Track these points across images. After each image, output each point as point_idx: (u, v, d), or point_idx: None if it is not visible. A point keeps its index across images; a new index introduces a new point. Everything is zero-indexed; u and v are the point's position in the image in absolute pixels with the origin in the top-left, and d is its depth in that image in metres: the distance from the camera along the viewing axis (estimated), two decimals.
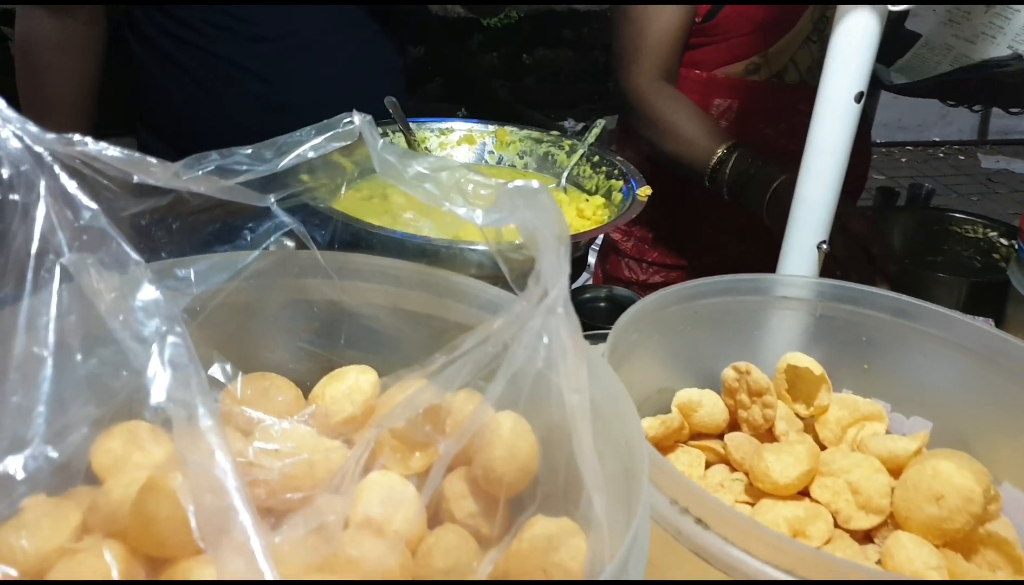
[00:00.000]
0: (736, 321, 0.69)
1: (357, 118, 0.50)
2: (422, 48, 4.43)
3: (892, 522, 0.57)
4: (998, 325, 1.01)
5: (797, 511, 0.57)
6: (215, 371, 0.52)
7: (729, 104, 1.21)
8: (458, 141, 1.06)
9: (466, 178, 0.48)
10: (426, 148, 1.05)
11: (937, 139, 4.87)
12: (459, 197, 0.48)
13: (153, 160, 0.42)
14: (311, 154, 0.49)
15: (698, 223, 1.31)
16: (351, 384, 0.52)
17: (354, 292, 0.57)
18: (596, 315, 1.20)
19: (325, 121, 0.51)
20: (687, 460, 0.65)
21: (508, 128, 1.06)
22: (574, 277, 0.94)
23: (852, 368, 0.68)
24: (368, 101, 0.85)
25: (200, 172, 0.45)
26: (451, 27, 4.35)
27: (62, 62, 1.07)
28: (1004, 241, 1.19)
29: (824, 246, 0.71)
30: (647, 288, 1.35)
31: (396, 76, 1.27)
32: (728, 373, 0.67)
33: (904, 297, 0.65)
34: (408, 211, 0.90)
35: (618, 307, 1.23)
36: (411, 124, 1.04)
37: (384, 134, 1.02)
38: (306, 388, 0.54)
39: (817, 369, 0.66)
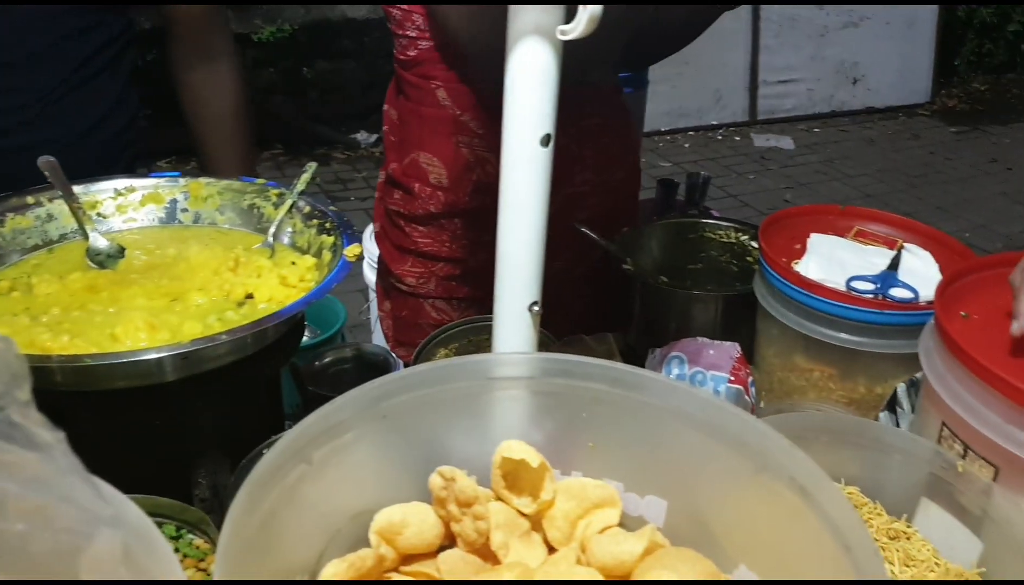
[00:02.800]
0: (450, 412, 0.58)
1: None
2: None
3: None
4: (751, 339, 0.98)
5: None
6: None
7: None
8: (141, 201, 0.88)
9: None
10: (99, 214, 0.86)
11: (715, 122, 5.15)
12: None
13: None
14: None
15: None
16: None
17: None
18: (342, 380, 1.07)
19: None
20: None
21: (203, 181, 0.90)
22: (293, 345, 0.80)
23: (579, 447, 0.59)
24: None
25: None
26: None
27: None
28: (754, 244, 1.18)
29: (536, 307, 0.62)
30: None
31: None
32: (434, 480, 0.56)
33: (619, 366, 0.56)
34: (55, 307, 0.72)
35: (368, 367, 1.11)
36: (77, 188, 0.85)
37: (37, 203, 0.83)
38: None
39: (535, 459, 0.56)
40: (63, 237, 0.84)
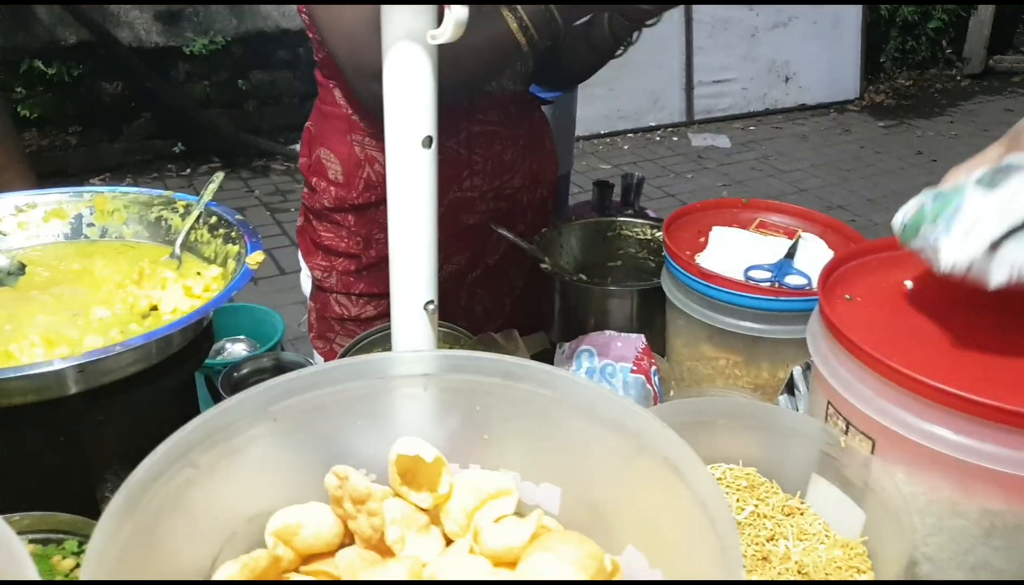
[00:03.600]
0: (347, 413, 0.59)
1: None
2: (119, 84, 4.00)
3: None
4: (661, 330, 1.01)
5: None
6: None
7: None
8: (45, 217, 0.87)
9: None
10: (0, 232, 0.85)
11: (653, 123, 5.24)
12: None
13: None
14: None
15: None
16: None
17: None
18: None
19: None
20: None
21: (108, 195, 0.89)
22: (200, 355, 0.80)
23: (475, 441, 0.61)
24: None
25: None
26: (149, 58, 3.96)
27: None
28: None
29: (431, 305, 0.63)
30: (363, 323, 1.23)
31: None
32: (329, 480, 0.57)
33: (508, 359, 0.58)
34: None
35: None
36: None
37: None
38: None
39: (431, 454, 0.57)
40: None
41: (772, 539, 0.70)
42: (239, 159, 4.36)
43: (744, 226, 1.00)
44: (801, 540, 0.69)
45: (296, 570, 0.57)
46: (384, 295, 1.26)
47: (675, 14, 4.99)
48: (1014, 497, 0.60)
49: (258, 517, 0.56)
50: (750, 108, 5.46)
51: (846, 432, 0.68)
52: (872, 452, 0.66)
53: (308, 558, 0.57)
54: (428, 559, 0.55)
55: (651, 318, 1.06)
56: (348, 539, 0.59)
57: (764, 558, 0.68)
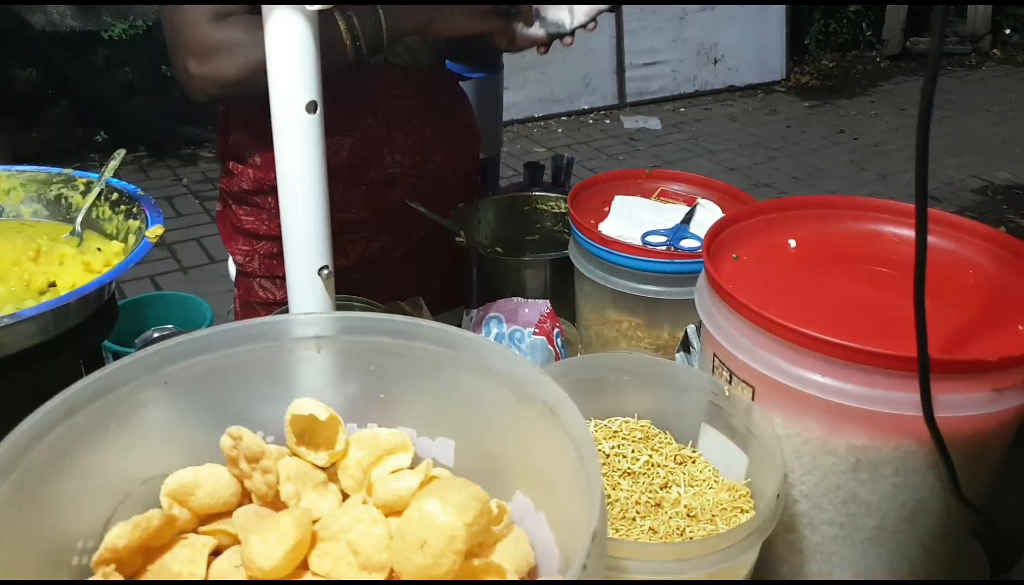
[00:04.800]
0: (243, 375, 0.60)
1: None
2: (32, 70, 3.85)
3: (394, 576, 0.51)
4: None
5: None
6: None
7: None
8: None
9: None
10: None
11: (586, 107, 5.29)
12: None
13: None
14: None
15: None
16: None
17: None
18: None
19: None
20: (186, 556, 0.55)
21: (3, 173, 0.88)
22: (99, 328, 0.80)
23: (372, 401, 0.62)
24: None
25: None
26: (64, 43, 3.82)
27: None
28: None
29: (326, 271, 0.65)
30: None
31: None
32: (224, 441, 0.58)
33: (399, 318, 0.60)
34: None
35: None
36: None
37: None
38: None
39: (324, 413, 0.59)
40: None
41: (665, 486, 0.73)
42: (166, 147, 4.25)
43: (646, 195, 1.03)
44: (692, 486, 0.73)
45: (194, 531, 0.58)
46: None
47: None
48: (876, 433, 0.64)
49: (153, 480, 0.57)
50: (680, 90, 5.56)
51: (729, 382, 0.72)
52: (752, 399, 0.70)
53: (205, 518, 0.59)
54: (322, 513, 0.57)
55: (564, 287, 1.09)
56: (246, 499, 0.60)
57: (657, 504, 0.72)
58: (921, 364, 0.58)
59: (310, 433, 0.61)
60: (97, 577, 0.50)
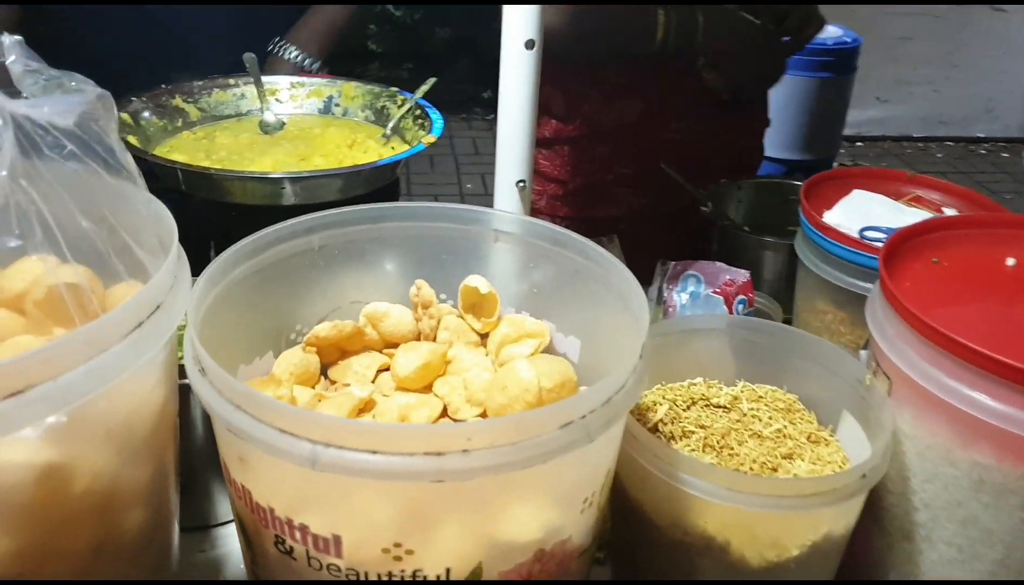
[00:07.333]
0: (443, 251, 0.76)
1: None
2: (448, 29, 4.53)
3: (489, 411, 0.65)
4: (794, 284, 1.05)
5: (410, 399, 0.65)
6: None
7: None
8: (307, 95, 1.16)
9: None
10: (277, 99, 1.15)
11: (981, 135, 4.71)
12: None
13: None
14: None
15: (602, 176, 1.38)
16: None
17: None
18: None
19: None
20: (365, 362, 0.74)
21: (353, 84, 1.16)
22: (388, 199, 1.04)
23: (527, 293, 0.75)
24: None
25: None
26: (477, 10, 4.44)
27: None
28: None
29: (521, 184, 0.78)
30: None
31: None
32: (412, 290, 0.75)
33: (559, 229, 0.71)
34: (224, 151, 1.02)
35: None
36: (265, 79, 1.15)
37: (235, 85, 1.14)
38: None
39: (485, 288, 0.73)
40: (249, 112, 1.14)
41: (790, 457, 0.76)
42: None
43: (894, 198, 1.00)
44: (815, 464, 0.75)
45: (379, 350, 0.77)
46: (582, 218, 1.43)
47: None
48: (1003, 454, 0.61)
49: (358, 303, 0.76)
50: None
51: (874, 374, 0.72)
52: (889, 393, 0.69)
53: (389, 342, 0.77)
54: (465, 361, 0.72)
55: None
56: (420, 338, 0.77)
57: (774, 469, 0.75)
58: None
59: (478, 306, 0.76)
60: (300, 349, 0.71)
